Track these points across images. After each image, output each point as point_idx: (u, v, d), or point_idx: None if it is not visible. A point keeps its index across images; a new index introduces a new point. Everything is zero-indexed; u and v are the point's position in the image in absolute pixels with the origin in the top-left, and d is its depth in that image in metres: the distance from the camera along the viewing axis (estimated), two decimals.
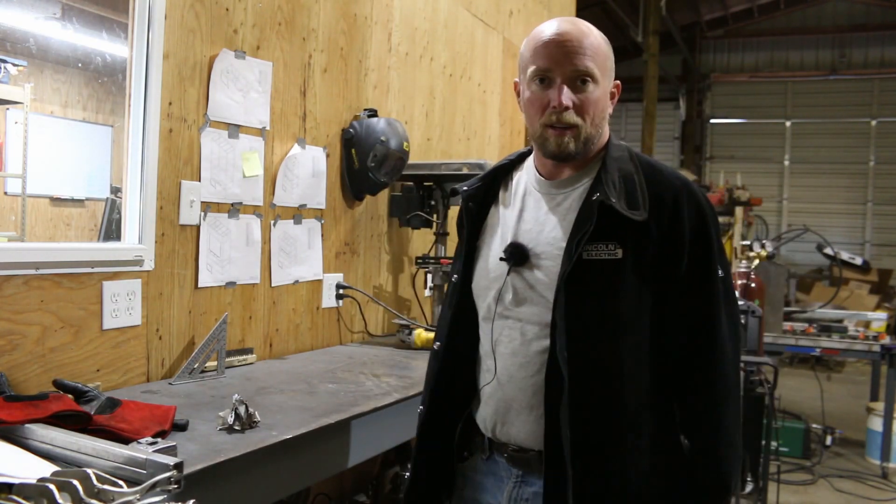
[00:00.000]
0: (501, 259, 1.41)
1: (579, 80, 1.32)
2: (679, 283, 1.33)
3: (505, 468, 1.44)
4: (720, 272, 1.36)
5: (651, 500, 1.33)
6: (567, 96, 1.31)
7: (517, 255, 1.39)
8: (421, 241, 3.34)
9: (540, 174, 1.44)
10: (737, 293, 3.80)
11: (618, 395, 1.33)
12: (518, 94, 1.43)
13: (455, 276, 1.52)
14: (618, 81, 1.42)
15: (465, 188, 1.53)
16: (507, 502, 1.43)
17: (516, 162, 1.53)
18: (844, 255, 10.09)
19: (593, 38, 1.34)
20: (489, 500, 1.47)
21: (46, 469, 1.17)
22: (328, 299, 2.77)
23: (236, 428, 1.58)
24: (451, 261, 2.94)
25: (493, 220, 1.49)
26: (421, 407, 1.55)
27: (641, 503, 1.33)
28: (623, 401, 1.33)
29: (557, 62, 1.32)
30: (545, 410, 1.33)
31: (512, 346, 1.40)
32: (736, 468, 1.36)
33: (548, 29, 1.35)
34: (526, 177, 1.48)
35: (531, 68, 1.35)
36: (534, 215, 1.42)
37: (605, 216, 1.29)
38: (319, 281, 2.73)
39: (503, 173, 1.53)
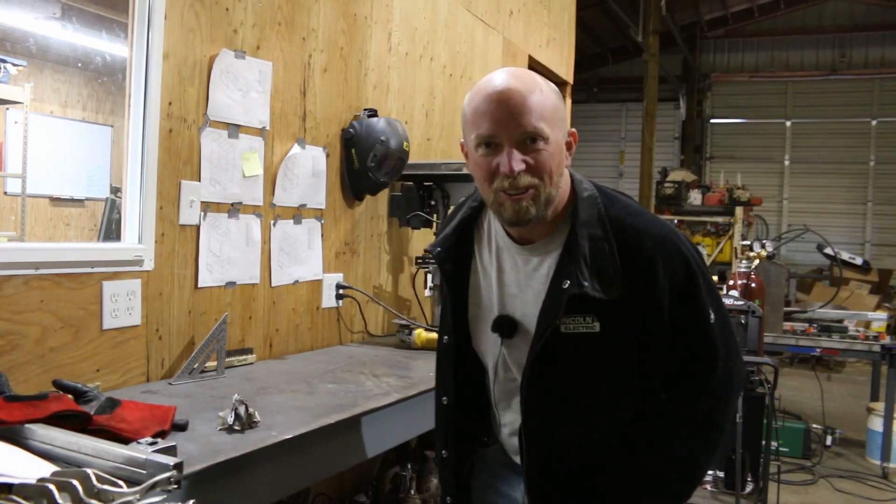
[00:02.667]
0: (493, 331, 1.40)
1: (528, 140, 1.23)
2: (667, 339, 1.32)
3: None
4: (712, 317, 1.33)
5: None
6: (518, 160, 1.22)
7: (505, 328, 1.37)
8: (421, 241, 3.34)
9: (509, 236, 1.38)
10: (737, 293, 3.80)
11: (586, 446, 1.36)
12: (465, 156, 1.35)
13: (446, 337, 1.49)
14: (573, 130, 1.34)
15: (438, 249, 1.46)
16: (522, 496, 1.45)
17: (481, 206, 1.46)
18: (845, 255, 10.07)
19: (538, 92, 1.24)
20: (506, 490, 1.51)
21: (46, 469, 1.16)
22: (328, 299, 2.77)
23: (236, 428, 1.58)
24: None
25: (476, 278, 1.45)
26: (444, 398, 1.53)
27: None
28: (589, 451, 1.36)
29: (502, 125, 1.22)
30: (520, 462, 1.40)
31: (512, 412, 1.44)
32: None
33: (487, 87, 1.25)
34: (496, 231, 1.42)
35: (473, 134, 1.26)
36: (514, 279, 1.39)
37: (578, 295, 1.25)
38: (319, 281, 2.73)
39: (471, 221, 1.46)
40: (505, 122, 1.22)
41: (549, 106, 1.24)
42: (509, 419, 1.48)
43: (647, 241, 1.28)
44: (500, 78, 1.25)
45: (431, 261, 3.00)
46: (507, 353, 1.41)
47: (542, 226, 1.32)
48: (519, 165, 1.22)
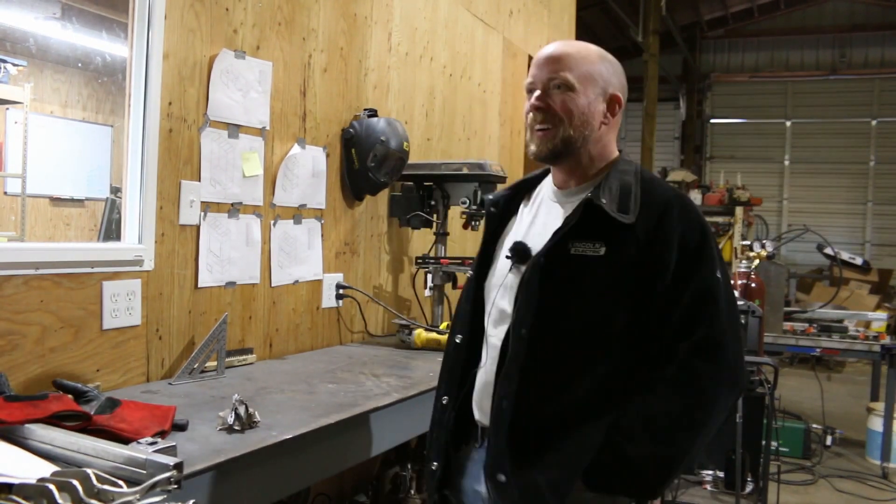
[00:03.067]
0: (507, 258, 1.49)
1: (555, 86, 1.44)
2: (668, 283, 1.36)
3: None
4: (718, 274, 1.39)
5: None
6: (539, 98, 1.44)
7: (520, 253, 1.47)
8: (421, 241, 3.34)
9: (554, 184, 1.55)
10: (736, 293, 3.80)
11: (565, 375, 1.40)
12: None
13: (470, 273, 1.64)
14: (618, 95, 1.48)
15: (490, 197, 1.66)
16: (486, 489, 1.46)
17: (541, 176, 1.63)
18: (845, 255, 10.08)
19: (576, 54, 1.45)
20: (475, 487, 1.52)
21: (46, 469, 1.17)
22: (328, 299, 2.77)
23: (236, 428, 1.58)
24: (451, 261, 2.97)
25: (510, 227, 1.60)
26: (445, 398, 1.59)
27: (571, 478, 1.37)
28: (573, 386, 1.39)
29: (538, 73, 1.46)
30: (494, 383, 1.44)
31: (499, 336, 1.48)
32: (662, 472, 1.39)
33: (544, 49, 1.49)
34: (545, 188, 1.58)
35: (525, 83, 1.50)
36: (543, 220, 1.51)
37: (595, 217, 1.38)
38: (319, 281, 2.73)
39: (529, 186, 1.63)
40: (540, 70, 1.46)
41: (583, 65, 1.44)
42: (490, 359, 1.49)
43: (669, 192, 1.45)
44: (555, 43, 1.50)
45: (431, 260, 3.00)
46: (512, 280, 1.47)
47: (584, 176, 1.49)
48: (538, 102, 1.44)
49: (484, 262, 1.60)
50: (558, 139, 1.44)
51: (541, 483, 1.37)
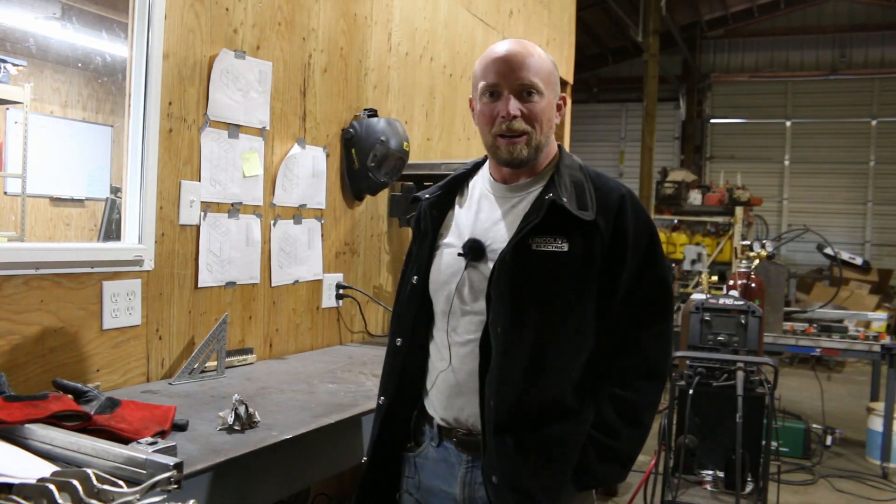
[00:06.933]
0: (459, 255, 1.49)
1: (525, 91, 1.44)
2: (627, 278, 1.45)
3: (455, 454, 1.50)
4: (665, 265, 1.52)
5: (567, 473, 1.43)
6: (514, 106, 1.43)
7: (474, 251, 1.47)
8: None
9: (495, 179, 1.55)
10: (737, 293, 3.80)
11: (543, 372, 1.43)
12: (472, 110, 1.56)
13: (415, 277, 1.58)
14: (564, 95, 1.54)
15: (426, 196, 1.62)
16: (460, 487, 1.48)
17: (472, 171, 1.64)
18: (845, 255, 10.08)
19: (537, 56, 1.46)
20: (442, 486, 1.52)
21: (46, 469, 1.17)
22: (328, 299, 2.77)
23: (236, 428, 1.58)
24: None
25: (450, 222, 1.59)
26: (381, 398, 1.59)
27: (562, 478, 1.42)
28: (548, 379, 1.43)
29: (504, 76, 1.44)
30: (479, 386, 1.43)
31: (466, 335, 1.48)
32: (635, 451, 1.48)
33: (497, 49, 1.48)
34: (481, 182, 1.59)
35: (481, 84, 1.48)
36: (489, 215, 1.52)
37: (556, 214, 1.41)
38: (319, 281, 2.73)
39: (461, 181, 1.63)
40: (507, 74, 1.44)
41: (544, 68, 1.46)
42: (457, 359, 1.49)
43: (620, 189, 1.49)
44: (506, 42, 1.49)
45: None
46: (469, 278, 1.48)
47: (527, 171, 1.51)
48: (515, 110, 1.43)
49: (423, 262, 1.57)
50: (532, 146, 1.45)
51: (532, 485, 1.40)
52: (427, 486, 1.55)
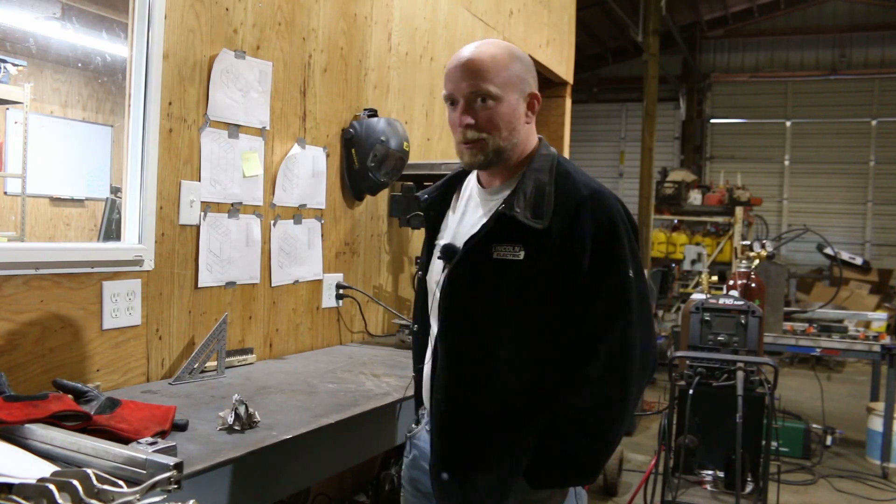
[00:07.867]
0: (439, 258, 1.54)
1: (479, 98, 1.43)
2: (583, 282, 1.42)
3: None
4: (630, 273, 1.45)
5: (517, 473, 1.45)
6: (466, 115, 1.44)
7: (449, 255, 1.51)
8: (421, 241, 3.33)
9: (479, 182, 1.58)
10: (737, 293, 3.80)
11: (491, 376, 1.45)
12: None
13: (420, 272, 1.71)
14: (535, 92, 1.51)
15: (425, 196, 1.68)
16: (432, 486, 1.53)
17: (469, 171, 1.65)
18: (845, 255, 10.08)
19: (495, 60, 1.44)
20: (427, 466, 1.57)
21: (46, 469, 1.17)
22: (328, 299, 2.77)
23: (236, 428, 1.58)
24: None
25: (445, 223, 1.65)
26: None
27: (509, 480, 1.44)
28: (495, 385, 1.45)
29: (456, 86, 1.45)
30: (429, 387, 1.52)
31: (435, 336, 1.54)
32: (590, 461, 1.47)
33: (456, 57, 1.48)
34: (473, 184, 1.62)
35: (443, 94, 1.51)
36: (470, 218, 1.56)
37: (511, 223, 1.43)
38: (319, 281, 2.73)
39: (458, 181, 1.66)
40: (458, 83, 1.45)
41: (502, 71, 1.44)
42: (431, 352, 1.58)
43: (582, 189, 1.45)
44: (467, 48, 1.48)
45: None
46: (447, 279, 1.52)
47: (506, 173, 1.52)
48: (466, 121, 1.44)
49: (425, 260, 1.67)
50: (489, 150, 1.46)
51: (479, 484, 1.44)
52: (419, 465, 1.63)
